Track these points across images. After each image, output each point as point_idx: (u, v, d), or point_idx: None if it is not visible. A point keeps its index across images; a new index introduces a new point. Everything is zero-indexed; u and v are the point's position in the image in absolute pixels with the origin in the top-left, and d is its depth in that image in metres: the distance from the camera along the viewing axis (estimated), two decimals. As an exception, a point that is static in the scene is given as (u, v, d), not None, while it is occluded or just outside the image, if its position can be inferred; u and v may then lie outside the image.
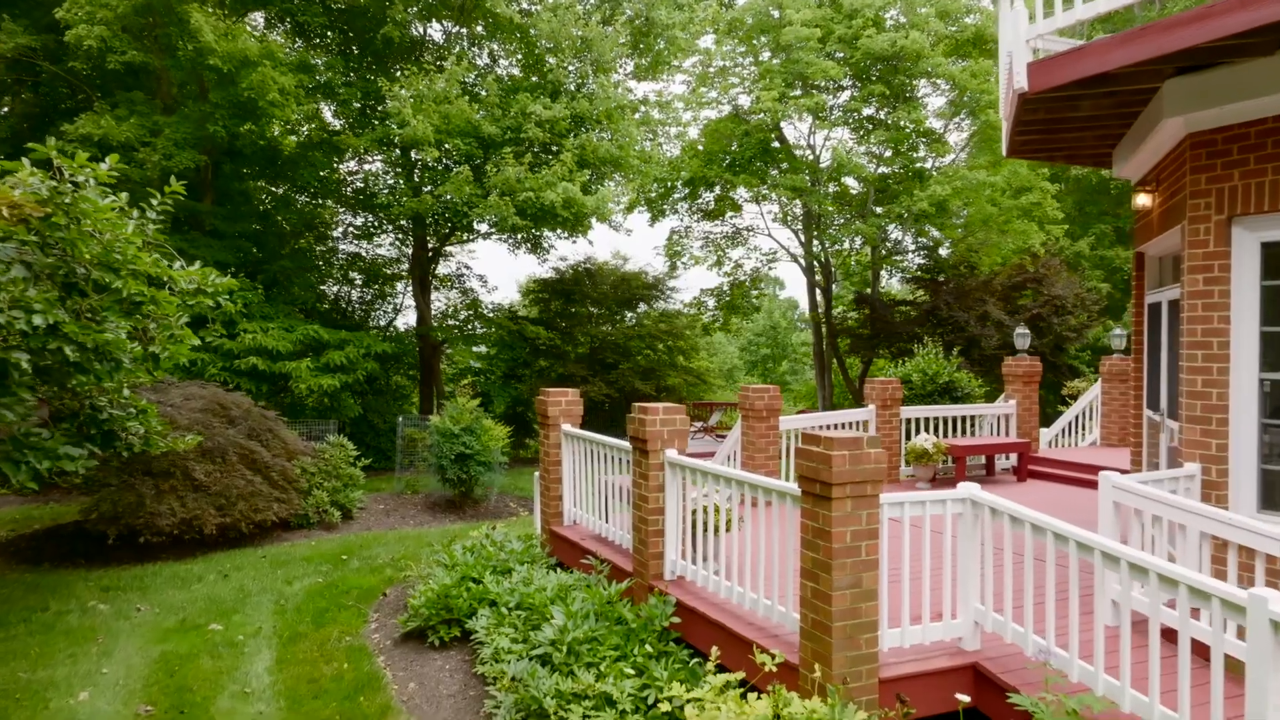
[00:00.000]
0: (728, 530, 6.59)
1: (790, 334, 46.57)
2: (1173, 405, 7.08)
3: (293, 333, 15.80)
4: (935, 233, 23.11)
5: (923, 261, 25.37)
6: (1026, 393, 12.20)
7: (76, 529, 10.91)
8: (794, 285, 77.43)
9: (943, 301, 21.49)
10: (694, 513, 6.59)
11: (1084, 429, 13.38)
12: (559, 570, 7.81)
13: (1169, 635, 4.54)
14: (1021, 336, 12.41)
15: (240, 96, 14.54)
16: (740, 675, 4.93)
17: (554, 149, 17.34)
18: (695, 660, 5.79)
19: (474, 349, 20.91)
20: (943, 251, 24.40)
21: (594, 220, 17.90)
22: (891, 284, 28.10)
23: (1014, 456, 11.78)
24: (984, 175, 20.51)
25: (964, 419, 12.10)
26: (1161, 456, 7.29)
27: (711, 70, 24.27)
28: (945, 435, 11.83)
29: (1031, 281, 22.25)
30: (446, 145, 16.47)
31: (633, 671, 5.58)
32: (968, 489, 5.26)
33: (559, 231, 19.36)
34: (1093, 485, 10.81)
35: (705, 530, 6.53)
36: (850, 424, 10.94)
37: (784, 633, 5.44)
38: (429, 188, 17.59)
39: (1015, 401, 12.18)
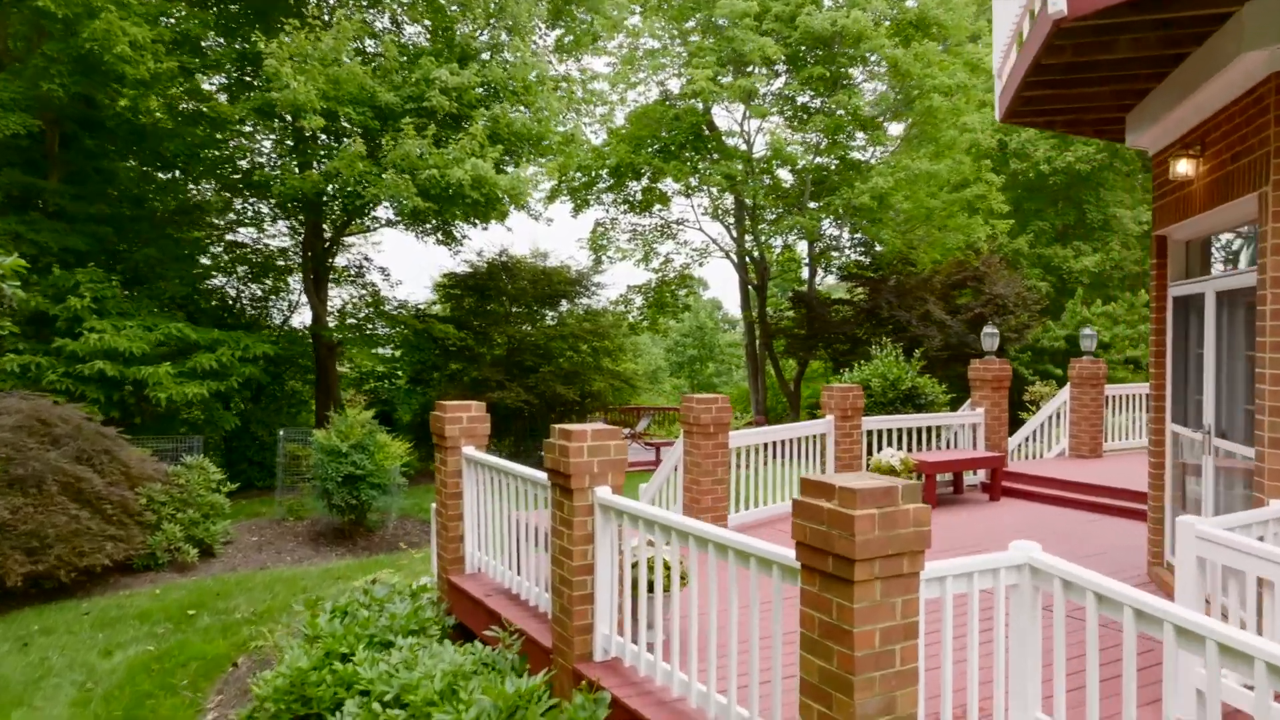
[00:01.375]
0: (683, 585, 4.94)
1: (716, 335, 45.34)
2: (1222, 420, 5.76)
3: (153, 332, 13.42)
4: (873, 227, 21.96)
5: (860, 258, 24.29)
6: (996, 399, 10.92)
7: None
8: (720, 284, 76.71)
9: (884, 300, 20.36)
10: (634, 567, 4.91)
11: (1050, 438, 12.24)
12: (454, 642, 5.99)
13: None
14: (989, 337, 11.14)
15: (81, 49, 12.14)
16: None
17: (463, 122, 15.33)
18: (640, 793, 4.10)
19: (376, 351, 18.64)
20: (879, 248, 23.32)
21: (509, 205, 15.89)
22: (827, 281, 27.02)
23: (982, 472, 10.48)
24: (927, 165, 19.40)
25: (928, 430, 10.75)
26: (1206, 483, 5.96)
27: (639, 51, 22.59)
28: (910, 448, 10.44)
29: (972, 280, 21.36)
30: (338, 115, 14.32)
31: (551, 819, 3.86)
32: (1025, 552, 3.71)
33: (471, 219, 17.29)
34: (1075, 505, 9.60)
35: (651, 591, 4.86)
36: (806, 437, 9.43)
37: (768, 758, 3.80)
38: (318, 165, 15.38)
39: (983, 410, 10.90)
